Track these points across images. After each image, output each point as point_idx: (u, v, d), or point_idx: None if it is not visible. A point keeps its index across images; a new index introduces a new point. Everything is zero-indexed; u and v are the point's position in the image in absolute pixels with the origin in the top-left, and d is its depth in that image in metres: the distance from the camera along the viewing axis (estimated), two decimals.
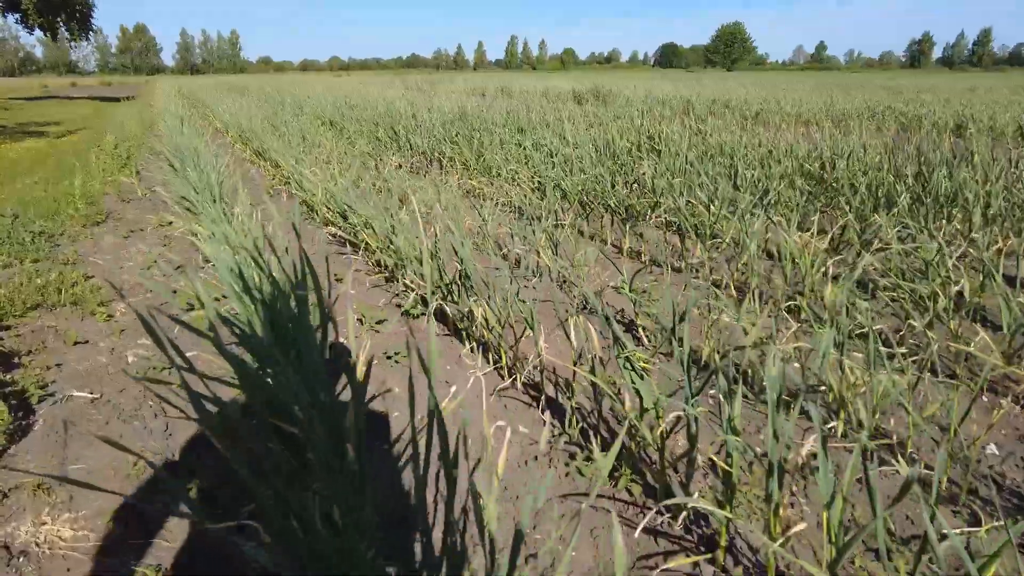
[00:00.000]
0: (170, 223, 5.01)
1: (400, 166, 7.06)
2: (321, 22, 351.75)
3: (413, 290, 3.28)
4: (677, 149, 6.19)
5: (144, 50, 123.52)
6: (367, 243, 4.05)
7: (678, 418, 1.76)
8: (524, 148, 6.41)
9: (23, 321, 2.90)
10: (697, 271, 3.87)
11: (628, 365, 1.70)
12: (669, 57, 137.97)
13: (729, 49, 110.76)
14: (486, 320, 2.65)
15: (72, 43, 25.57)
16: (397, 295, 3.46)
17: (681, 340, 1.64)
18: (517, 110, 10.25)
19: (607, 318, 1.82)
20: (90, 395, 2.30)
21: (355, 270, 3.91)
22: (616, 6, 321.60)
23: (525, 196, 5.44)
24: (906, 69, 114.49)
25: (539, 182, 5.46)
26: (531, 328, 2.32)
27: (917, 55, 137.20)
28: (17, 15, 23.86)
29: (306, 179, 5.17)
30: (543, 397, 2.32)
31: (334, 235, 4.59)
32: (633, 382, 1.72)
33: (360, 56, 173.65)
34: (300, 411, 1.26)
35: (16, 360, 2.52)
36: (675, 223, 4.74)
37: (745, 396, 2.30)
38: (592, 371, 1.96)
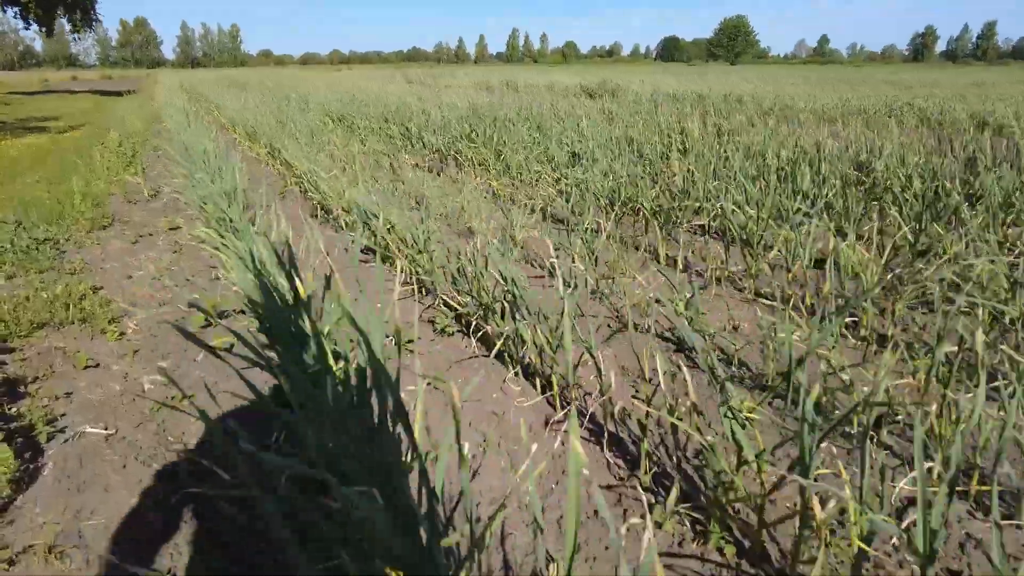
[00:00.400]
0: (178, 227, 4.78)
1: (416, 165, 6.82)
2: (321, 18, 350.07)
3: (454, 308, 3.06)
4: (703, 148, 5.96)
5: (144, 43, 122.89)
6: (388, 246, 3.83)
7: (783, 474, 1.54)
8: (546, 148, 6.16)
9: (29, 342, 2.67)
10: (741, 281, 3.64)
11: (729, 414, 1.48)
12: (671, 51, 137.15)
13: (732, 43, 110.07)
14: (534, 343, 2.42)
15: (75, 36, 25.23)
16: (428, 307, 3.24)
17: (797, 389, 1.41)
18: (529, 106, 10.00)
19: (691, 349, 1.59)
20: (104, 431, 2.08)
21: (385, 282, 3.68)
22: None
23: (551, 199, 5.21)
24: (909, 63, 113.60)
25: (566, 184, 5.22)
26: (591, 355, 2.09)
27: (920, 49, 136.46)
28: (16, 9, 23.54)
29: (322, 179, 4.94)
30: (605, 434, 2.10)
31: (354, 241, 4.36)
32: (734, 432, 1.50)
33: (361, 50, 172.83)
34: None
35: (22, 388, 2.29)
36: (711, 227, 4.52)
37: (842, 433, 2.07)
38: (671, 410, 1.74)
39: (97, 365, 2.54)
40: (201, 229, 3.75)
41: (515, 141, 6.52)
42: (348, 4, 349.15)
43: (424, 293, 3.43)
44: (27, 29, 24.56)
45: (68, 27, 24.83)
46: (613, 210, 4.78)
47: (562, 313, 2.34)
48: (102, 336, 2.80)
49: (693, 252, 4.20)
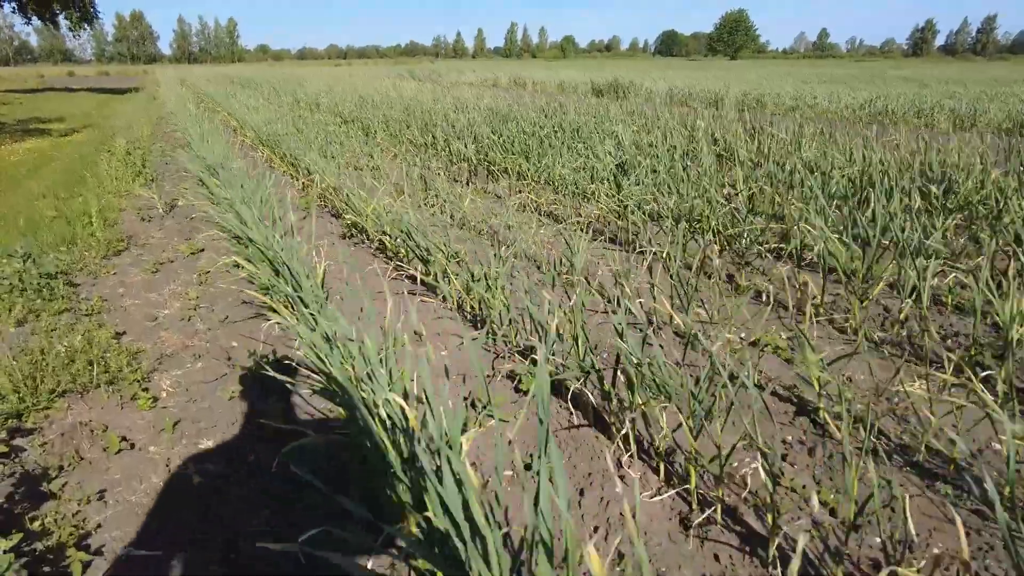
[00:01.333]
0: (201, 250, 4.37)
1: (448, 175, 6.39)
2: (318, 12, 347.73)
3: (562, 382, 2.64)
4: (764, 160, 5.54)
5: (140, 39, 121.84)
6: (432, 275, 3.43)
7: None
8: (587, 158, 5.74)
9: (49, 415, 2.26)
10: (842, 320, 3.23)
11: None
12: (669, 45, 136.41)
13: (732, 37, 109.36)
14: (659, 423, 2.02)
15: (73, 33, 24.66)
16: (498, 356, 2.82)
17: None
18: (552, 108, 9.56)
19: (814, 411, 1.18)
20: (147, 553, 1.67)
21: (435, 317, 3.27)
22: None
23: (603, 217, 4.79)
24: (909, 57, 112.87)
25: (619, 200, 4.80)
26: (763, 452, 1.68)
27: (920, 43, 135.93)
28: (13, 4, 22.98)
29: (358, 197, 4.52)
30: (773, 544, 1.68)
31: (394, 265, 3.94)
32: None
33: (358, 44, 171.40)
34: None
35: (46, 487, 1.88)
36: (784, 252, 4.09)
37: None
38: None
39: (132, 446, 2.12)
40: (236, 260, 3.34)
41: (555, 150, 6.09)
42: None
43: (486, 331, 3.01)
44: (27, 24, 23.98)
45: (65, 24, 24.25)
46: (678, 229, 4.37)
47: (703, 393, 1.94)
48: (132, 403, 2.38)
49: (770, 280, 3.78)
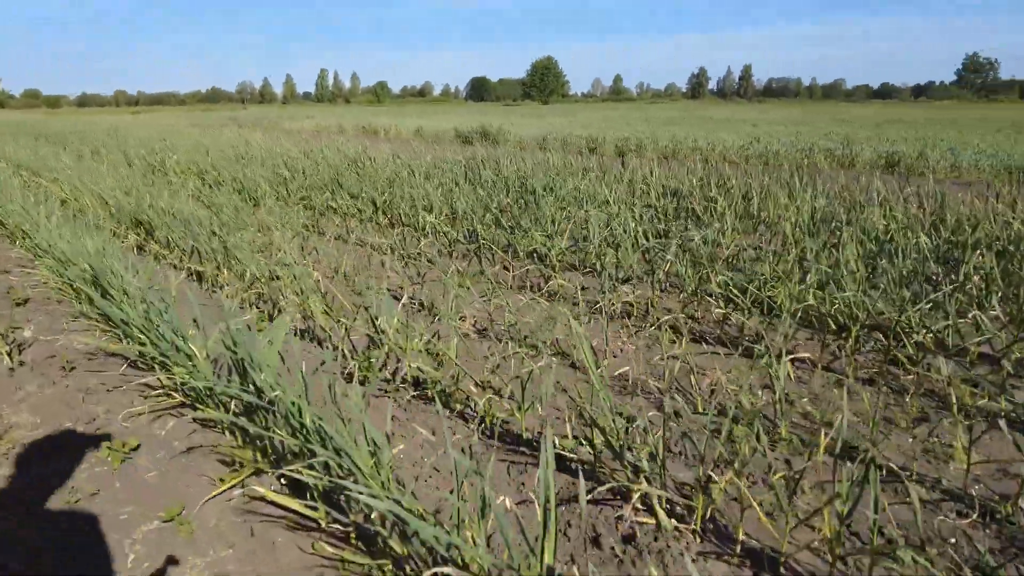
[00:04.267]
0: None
1: (405, 255, 4.98)
2: (102, 51, 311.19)
3: None
4: (767, 216, 4.97)
5: None
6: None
7: None
8: (585, 221, 4.75)
9: None
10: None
11: None
12: (480, 91, 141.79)
13: (544, 82, 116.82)
14: None
15: None
16: None
17: None
18: (477, 162, 8.49)
19: None
20: None
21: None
22: (426, 37, 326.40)
23: (647, 303, 3.81)
24: (689, 100, 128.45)
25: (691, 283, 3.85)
26: None
27: (697, 87, 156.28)
28: None
29: (385, 316, 3.08)
30: None
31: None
32: None
33: (151, 90, 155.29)
34: None
35: None
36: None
37: None
38: None
39: None
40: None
41: (541, 216, 5.02)
42: (135, 38, 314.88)
43: None
44: None
45: None
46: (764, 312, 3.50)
47: None
48: None
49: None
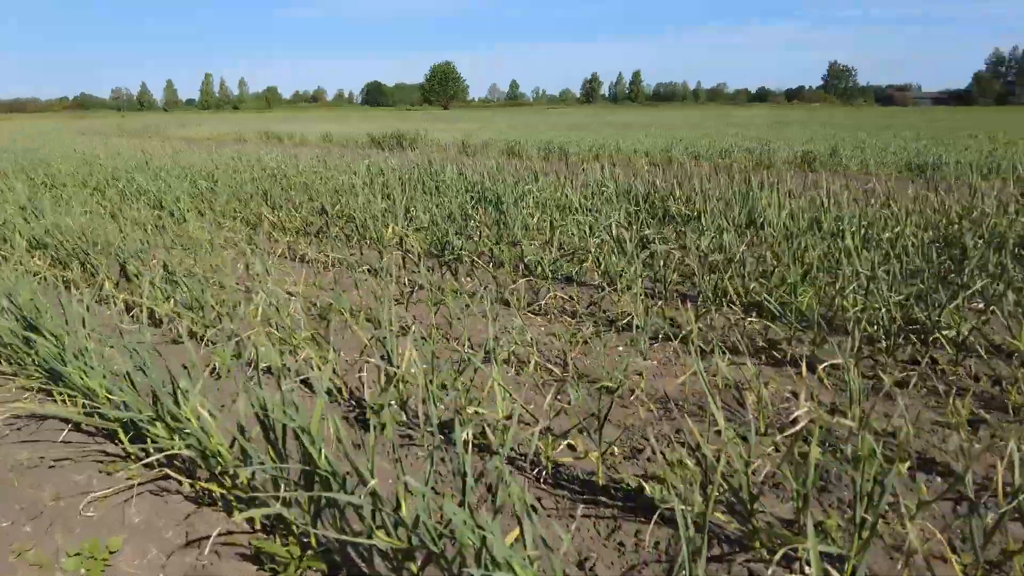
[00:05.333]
0: None
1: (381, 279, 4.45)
2: None
3: None
4: (765, 218, 4.90)
5: None
6: None
7: None
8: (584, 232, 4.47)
9: None
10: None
11: None
12: (375, 95, 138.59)
13: (443, 87, 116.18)
14: None
15: None
16: None
17: None
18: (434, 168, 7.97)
19: None
20: None
21: None
22: (313, 44, 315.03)
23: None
24: (584, 105, 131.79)
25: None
26: None
27: (590, 93, 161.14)
28: None
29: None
30: None
31: None
32: None
33: (5, 96, 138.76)
34: None
35: None
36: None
37: None
38: None
39: None
40: None
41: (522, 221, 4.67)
42: None
43: None
44: None
45: None
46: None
47: None
48: None
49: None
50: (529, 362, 2.88)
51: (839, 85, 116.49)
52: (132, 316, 3.79)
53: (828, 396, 2.72)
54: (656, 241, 4.19)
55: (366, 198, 5.44)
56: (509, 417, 2.35)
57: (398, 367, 2.52)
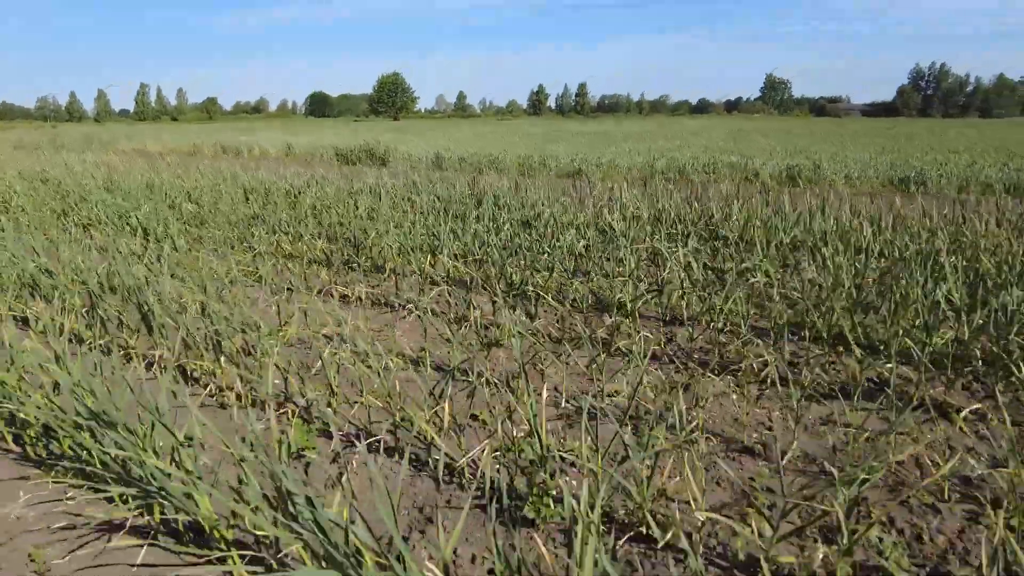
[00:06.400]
0: None
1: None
2: None
3: None
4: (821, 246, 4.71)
5: None
6: None
7: None
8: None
9: None
10: None
11: None
12: (321, 106, 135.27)
13: (392, 98, 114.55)
14: None
15: None
16: None
17: None
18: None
19: None
20: None
21: None
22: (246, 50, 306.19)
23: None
24: (532, 116, 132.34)
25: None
26: None
27: (537, 104, 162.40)
28: None
29: None
30: None
31: None
32: None
33: None
34: None
35: None
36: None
37: None
38: None
39: None
40: None
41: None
42: None
43: None
44: None
45: None
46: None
47: None
48: None
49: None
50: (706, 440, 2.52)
51: (776, 97, 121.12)
52: (152, 371, 3.25)
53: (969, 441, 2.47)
54: (737, 274, 3.91)
55: (400, 222, 4.97)
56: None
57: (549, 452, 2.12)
